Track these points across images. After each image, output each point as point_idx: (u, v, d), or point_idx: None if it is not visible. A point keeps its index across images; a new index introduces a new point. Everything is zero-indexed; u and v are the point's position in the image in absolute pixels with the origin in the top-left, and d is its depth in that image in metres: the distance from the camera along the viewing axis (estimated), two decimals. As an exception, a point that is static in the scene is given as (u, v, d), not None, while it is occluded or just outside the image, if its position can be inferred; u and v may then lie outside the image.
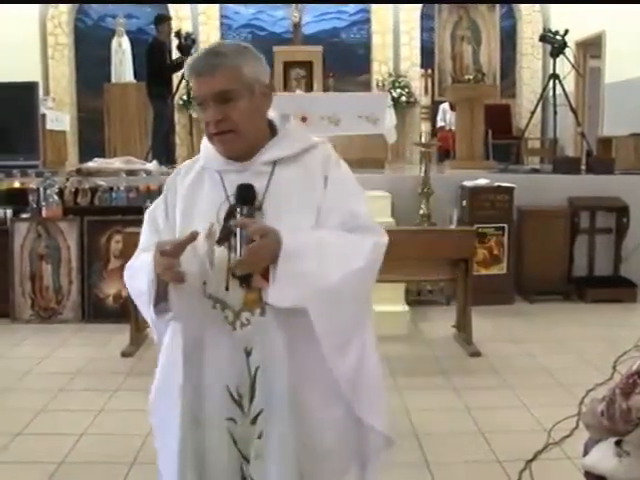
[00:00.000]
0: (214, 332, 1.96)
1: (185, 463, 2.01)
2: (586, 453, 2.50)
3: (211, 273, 1.95)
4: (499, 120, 12.22)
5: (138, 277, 2.01)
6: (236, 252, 1.82)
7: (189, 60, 1.99)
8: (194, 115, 2.00)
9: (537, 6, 13.13)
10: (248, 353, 1.94)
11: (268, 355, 1.93)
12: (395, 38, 13.16)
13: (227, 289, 1.90)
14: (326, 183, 2.02)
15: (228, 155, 2.01)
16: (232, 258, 1.85)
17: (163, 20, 9.89)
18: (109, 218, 6.53)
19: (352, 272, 1.93)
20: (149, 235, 2.11)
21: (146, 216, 2.15)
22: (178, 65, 9.44)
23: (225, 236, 1.91)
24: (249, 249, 1.80)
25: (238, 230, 1.82)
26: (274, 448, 1.95)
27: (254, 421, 1.96)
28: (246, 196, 1.93)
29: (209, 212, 1.98)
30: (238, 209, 1.90)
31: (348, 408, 2.03)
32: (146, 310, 2.00)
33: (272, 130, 2.07)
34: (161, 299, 1.96)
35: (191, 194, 2.05)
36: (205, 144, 2.08)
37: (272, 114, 2.09)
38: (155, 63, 9.35)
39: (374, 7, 13.10)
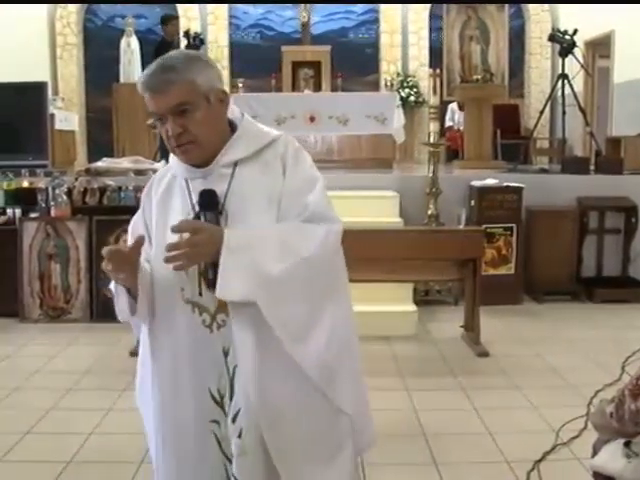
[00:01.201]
0: (194, 336, 2.01)
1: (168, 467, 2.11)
2: (595, 454, 2.49)
3: (186, 279, 2.00)
4: (507, 120, 12.19)
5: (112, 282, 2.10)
6: None
7: (141, 76, 1.99)
8: (154, 130, 2.01)
9: (546, 6, 13.10)
10: (226, 353, 1.99)
11: (242, 354, 1.96)
12: (404, 38, 13.15)
13: (200, 294, 1.99)
14: (284, 177, 2.03)
15: (192, 164, 2.04)
16: (201, 263, 1.95)
17: (169, 20, 9.89)
18: (117, 218, 6.53)
19: (300, 261, 1.93)
20: (130, 240, 2.15)
21: (129, 229, 2.21)
22: None
23: None
24: (175, 245, 1.84)
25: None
26: (255, 445, 1.97)
27: (234, 419, 1.99)
28: (208, 202, 1.97)
29: (181, 218, 2.00)
30: (202, 216, 1.95)
31: (323, 397, 2.03)
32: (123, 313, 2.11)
33: (233, 129, 2.09)
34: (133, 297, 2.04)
35: (164, 203, 2.10)
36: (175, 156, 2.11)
37: (232, 112, 2.10)
38: None
39: (382, 7, 13.10)
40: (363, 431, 2.17)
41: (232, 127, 2.08)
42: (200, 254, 1.88)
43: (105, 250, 1.90)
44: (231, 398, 2.00)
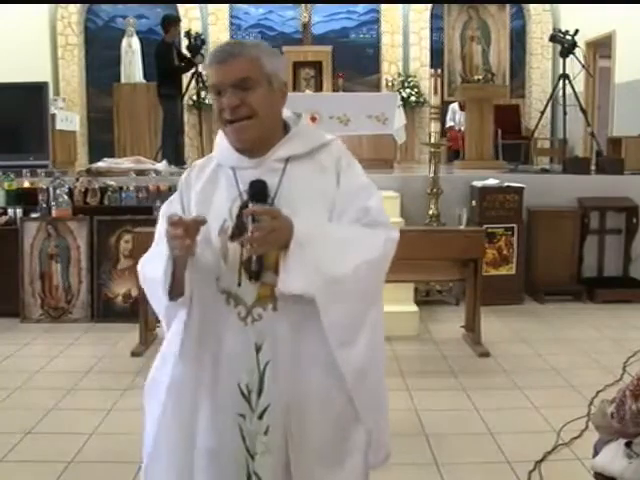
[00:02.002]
0: (227, 327, 1.97)
1: (193, 458, 2.02)
2: (596, 454, 2.49)
3: (224, 268, 1.96)
4: (508, 120, 12.20)
5: (152, 262, 2.03)
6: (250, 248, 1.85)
7: (216, 48, 2.00)
8: (213, 106, 1.95)
9: (547, 6, 13.10)
10: (258, 348, 1.95)
11: (278, 350, 1.94)
12: (405, 38, 13.16)
13: (239, 284, 1.93)
14: (339, 180, 2.03)
15: (242, 146, 2.00)
16: (244, 253, 1.87)
17: (170, 21, 9.89)
18: (119, 218, 6.55)
19: (362, 264, 1.95)
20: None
21: (161, 212, 2.15)
22: (187, 65, 9.45)
23: (238, 232, 1.92)
24: (259, 227, 1.81)
25: (250, 225, 1.82)
26: (280, 444, 1.96)
27: (261, 416, 1.96)
28: (258, 192, 1.93)
29: (223, 208, 1.99)
30: (250, 205, 1.90)
31: (347, 404, 2.02)
32: (157, 294, 2.01)
33: (285, 129, 2.08)
34: (175, 284, 1.97)
35: (206, 191, 2.06)
36: (219, 141, 2.10)
37: (285, 114, 2.10)
38: (162, 65, 9.35)
39: (384, 7, 13.10)
40: (379, 444, 2.13)
41: (285, 127, 2.08)
42: (276, 240, 1.85)
43: (174, 216, 1.86)
44: (259, 394, 1.97)
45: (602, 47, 11.68)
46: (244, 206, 1.93)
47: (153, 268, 2.01)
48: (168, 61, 9.34)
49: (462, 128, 10.71)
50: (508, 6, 13.25)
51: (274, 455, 1.96)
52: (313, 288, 1.88)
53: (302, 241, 1.86)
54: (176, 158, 9.11)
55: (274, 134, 2.02)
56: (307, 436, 1.98)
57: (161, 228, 2.04)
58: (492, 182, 7.09)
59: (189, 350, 2.03)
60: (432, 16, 13.21)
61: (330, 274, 1.90)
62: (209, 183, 2.07)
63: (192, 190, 2.09)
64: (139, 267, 2.12)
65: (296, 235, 1.86)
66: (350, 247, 1.94)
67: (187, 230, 1.83)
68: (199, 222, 1.86)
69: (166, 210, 2.12)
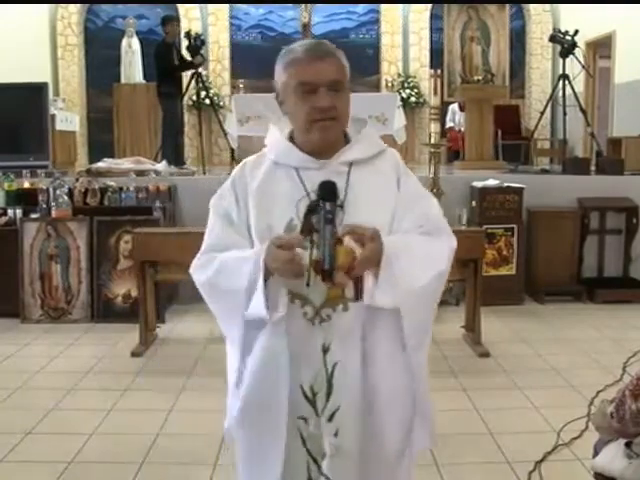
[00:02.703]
0: (292, 327, 1.96)
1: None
2: (596, 454, 2.49)
3: None
4: (508, 120, 12.20)
5: (229, 275, 1.98)
6: (321, 248, 1.83)
7: (293, 50, 1.99)
8: (288, 108, 1.87)
9: (547, 6, 13.11)
10: (326, 349, 1.96)
11: (348, 351, 1.96)
12: (404, 39, 13.17)
13: (308, 285, 1.90)
14: (399, 185, 2.09)
15: (322, 145, 2.02)
16: (314, 254, 1.86)
17: (169, 21, 9.91)
18: (118, 218, 6.55)
19: (436, 274, 2.01)
20: (222, 229, 2.07)
21: (213, 209, 2.11)
22: (187, 65, 9.45)
23: (306, 232, 1.92)
24: (369, 250, 1.84)
25: (324, 226, 1.84)
26: (352, 445, 1.97)
27: (331, 418, 1.97)
28: (329, 193, 1.93)
29: (287, 207, 1.98)
30: (321, 205, 1.90)
31: (411, 405, 2.07)
32: (235, 309, 1.97)
33: (344, 135, 2.12)
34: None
35: (265, 188, 2.04)
36: (275, 139, 2.10)
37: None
38: (162, 65, 9.37)
39: (383, 8, 13.11)
40: (422, 429, 2.17)
41: (344, 133, 2.12)
42: (374, 262, 1.89)
43: (280, 238, 1.87)
44: (328, 396, 1.96)
45: (602, 47, 11.69)
46: (314, 206, 1.93)
47: (231, 279, 1.96)
48: (167, 60, 9.35)
49: (462, 129, 10.71)
50: (508, 6, 13.25)
51: (344, 457, 1.97)
52: (399, 301, 1.93)
53: (391, 257, 1.90)
54: (176, 158, 9.11)
55: (341, 138, 2.07)
56: (378, 437, 2.01)
57: (220, 227, 2.05)
58: (492, 182, 7.09)
59: (253, 351, 2.01)
60: (432, 16, 13.21)
61: (414, 287, 1.95)
62: (267, 181, 2.05)
63: (248, 187, 2.06)
64: (199, 275, 2.06)
65: (386, 252, 1.90)
66: (427, 259, 2.00)
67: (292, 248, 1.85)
68: (301, 243, 1.87)
69: (219, 206, 2.09)
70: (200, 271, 2.06)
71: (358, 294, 1.93)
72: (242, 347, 2.01)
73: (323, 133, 1.99)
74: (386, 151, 2.14)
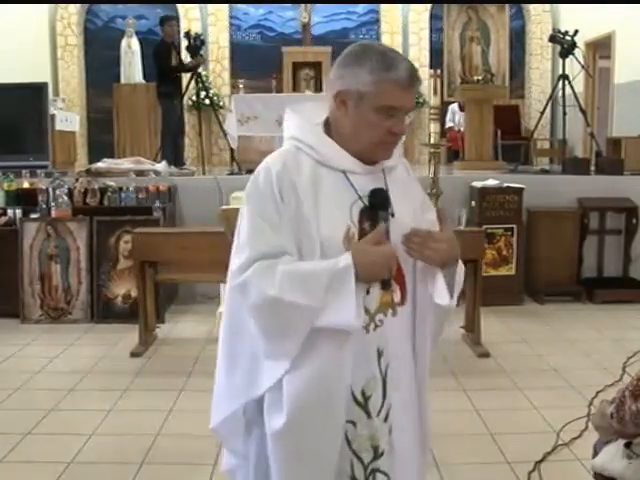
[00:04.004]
0: (347, 336, 1.92)
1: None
2: (595, 454, 2.49)
3: None
4: (508, 121, 12.20)
5: (305, 288, 1.86)
6: None
7: (397, 63, 1.93)
8: (351, 114, 1.82)
9: (546, 6, 13.10)
10: (380, 353, 1.98)
11: (398, 352, 2.01)
12: (404, 39, 13.16)
13: (368, 292, 1.94)
14: (415, 188, 2.17)
15: (383, 159, 2.03)
16: None
17: (167, 21, 9.92)
18: (118, 218, 6.55)
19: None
20: (270, 234, 1.91)
21: (254, 209, 1.95)
22: (184, 67, 9.47)
23: (362, 238, 1.94)
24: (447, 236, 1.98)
25: (383, 227, 1.91)
26: (402, 440, 2.03)
27: (386, 418, 2.00)
28: (382, 201, 1.96)
29: (342, 212, 1.94)
30: (380, 214, 1.94)
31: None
32: (301, 322, 1.88)
33: None
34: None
35: (311, 190, 1.94)
36: (320, 141, 2.01)
37: None
38: (159, 64, 9.38)
39: (383, 8, 13.10)
40: None
41: None
42: (452, 257, 2.00)
43: (382, 228, 1.92)
44: (384, 397, 1.99)
45: (602, 47, 11.68)
46: (373, 215, 1.95)
47: (308, 292, 1.86)
48: (165, 61, 9.35)
49: (462, 129, 10.71)
50: (508, 6, 13.25)
51: (397, 452, 2.02)
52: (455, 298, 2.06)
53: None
54: (175, 159, 9.10)
55: None
56: (422, 430, 2.12)
57: (269, 232, 1.91)
58: (492, 183, 7.09)
59: (303, 365, 1.94)
60: (432, 17, 13.20)
61: (459, 283, 2.08)
62: (313, 180, 1.96)
63: (296, 187, 1.93)
64: (265, 287, 1.87)
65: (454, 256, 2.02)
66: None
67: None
68: (384, 239, 1.93)
69: (262, 208, 1.94)
70: (264, 282, 1.87)
71: (403, 298, 2.01)
72: (291, 361, 1.92)
73: (387, 152, 2.01)
74: (401, 157, 2.18)
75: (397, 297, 1.98)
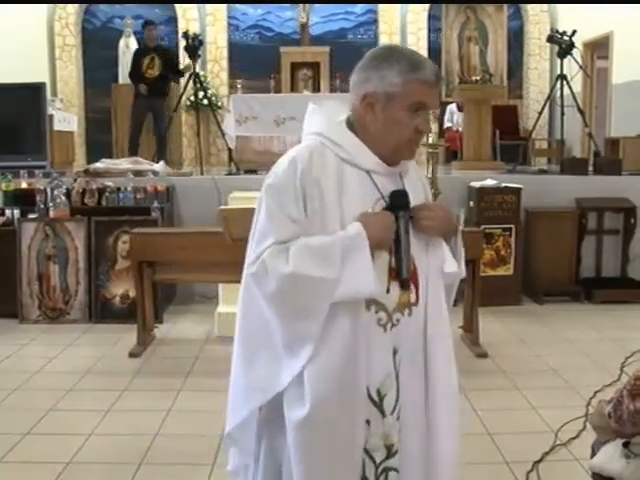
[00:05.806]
0: (366, 335, 1.97)
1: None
2: (594, 454, 2.50)
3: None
4: (506, 121, 12.20)
5: (319, 260, 1.90)
6: (403, 257, 1.97)
7: (423, 63, 1.99)
8: (380, 114, 1.82)
9: (544, 6, 13.10)
10: (395, 352, 2.01)
11: (411, 352, 2.04)
12: (402, 39, 13.14)
13: (388, 291, 1.97)
14: (425, 192, 2.23)
15: (408, 158, 2.09)
16: (395, 261, 1.98)
17: (145, 26, 10.29)
18: (116, 219, 6.54)
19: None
20: (289, 225, 1.94)
21: (274, 204, 1.96)
22: (136, 76, 10.04)
23: (395, 237, 2.00)
24: (442, 209, 2.13)
25: (404, 236, 1.97)
26: (414, 437, 2.06)
27: (399, 416, 2.03)
28: (403, 202, 2.02)
29: (364, 210, 1.98)
30: (401, 215, 2.00)
31: (459, 393, 2.22)
32: (320, 298, 1.90)
33: None
34: None
35: (336, 187, 1.97)
36: (345, 140, 2.03)
37: None
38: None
39: (381, 8, 13.09)
40: None
41: None
42: (450, 226, 2.11)
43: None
44: (397, 396, 2.02)
45: (600, 48, 11.69)
46: (391, 210, 2.01)
47: (322, 265, 1.89)
48: (132, 64, 10.11)
49: (460, 129, 10.72)
50: (506, 6, 13.24)
51: (409, 450, 2.04)
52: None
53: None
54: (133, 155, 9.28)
55: None
56: (439, 427, 2.10)
57: (287, 222, 1.93)
58: (490, 183, 7.09)
59: (317, 359, 1.96)
60: (430, 17, 13.20)
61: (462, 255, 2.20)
62: (336, 180, 1.98)
63: (320, 184, 1.96)
64: (279, 266, 1.89)
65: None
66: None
67: None
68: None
69: (284, 203, 1.95)
70: (278, 263, 1.90)
71: (418, 299, 2.05)
72: (314, 346, 1.93)
73: (411, 152, 2.07)
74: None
75: (413, 297, 2.02)
